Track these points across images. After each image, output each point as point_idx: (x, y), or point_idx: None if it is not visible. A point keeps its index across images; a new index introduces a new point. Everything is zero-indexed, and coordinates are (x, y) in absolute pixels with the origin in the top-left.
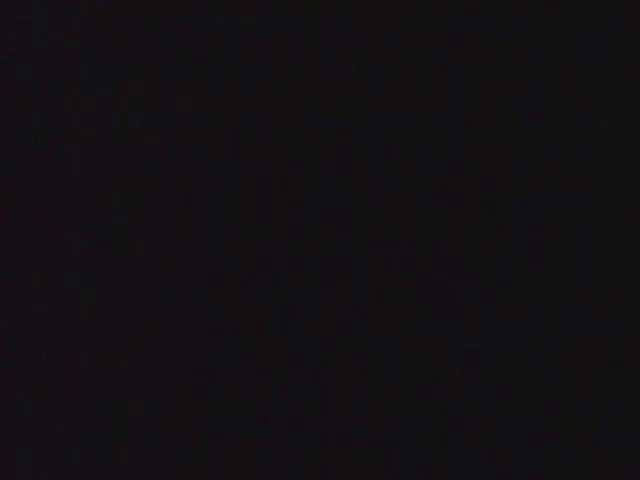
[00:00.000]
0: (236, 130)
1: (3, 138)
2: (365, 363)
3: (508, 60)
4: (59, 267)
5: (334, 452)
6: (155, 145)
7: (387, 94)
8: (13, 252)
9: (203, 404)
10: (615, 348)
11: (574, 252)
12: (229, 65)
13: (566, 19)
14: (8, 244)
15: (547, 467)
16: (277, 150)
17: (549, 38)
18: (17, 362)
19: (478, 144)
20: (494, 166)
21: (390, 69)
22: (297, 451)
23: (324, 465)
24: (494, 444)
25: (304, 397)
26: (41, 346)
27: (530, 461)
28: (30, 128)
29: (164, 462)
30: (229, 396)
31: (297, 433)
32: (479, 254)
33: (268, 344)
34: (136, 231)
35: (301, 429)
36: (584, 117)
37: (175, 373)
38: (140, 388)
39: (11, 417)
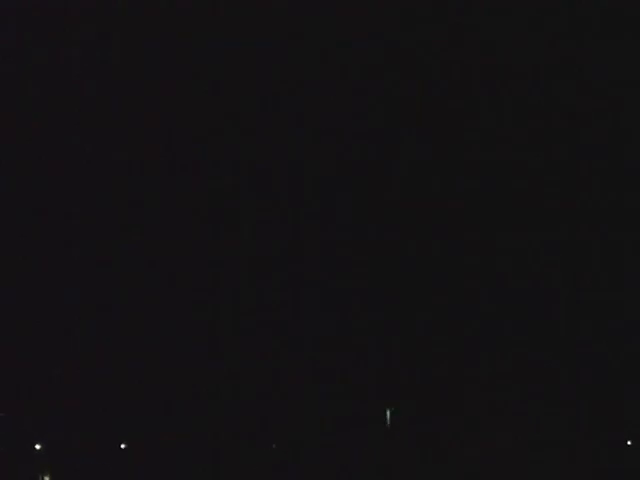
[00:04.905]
0: (236, 130)
1: (3, 138)
2: (365, 362)
3: (508, 60)
4: (59, 267)
5: (334, 452)
6: (155, 145)
7: (387, 94)
8: (13, 252)
9: (203, 404)
10: (615, 348)
11: (574, 252)
12: (229, 65)
13: (567, 19)
14: (8, 244)
15: (547, 466)
16: (277, 150)
17: (549, 38)
18: (17, 362)
19: (478, 144)
20: (494, 166)
21: (390, 69)
22: (297, 451)
23: (324, 465)
24: (494, 443)
25: (304, 397)
26: (41, 346)
27: (529, 460)
28: (30, 128)
29: (164, 462)
30: (229, 396)
31: (297, 433)
32: (479, 254)
33: (268, 344)
34: (136, 231)
35: (301, 429)
36: (584, 117)
37: (175, 373)
38: (140, 388)
39: (11, 416)
